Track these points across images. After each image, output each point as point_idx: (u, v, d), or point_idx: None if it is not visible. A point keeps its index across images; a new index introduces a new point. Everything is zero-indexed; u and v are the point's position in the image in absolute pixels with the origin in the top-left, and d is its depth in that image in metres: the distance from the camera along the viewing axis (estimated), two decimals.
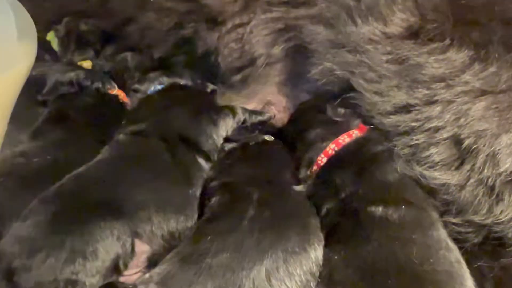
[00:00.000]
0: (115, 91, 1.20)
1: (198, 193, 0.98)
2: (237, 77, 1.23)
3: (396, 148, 0.94)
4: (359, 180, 0.93)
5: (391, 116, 0.94)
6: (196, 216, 0.96)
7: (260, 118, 1.15)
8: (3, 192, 0.97)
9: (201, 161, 1.02)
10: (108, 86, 1.19)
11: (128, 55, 1.29)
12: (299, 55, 1.17)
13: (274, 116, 1.20)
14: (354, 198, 0.92)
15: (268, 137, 1.11)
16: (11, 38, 0.99)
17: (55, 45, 1.43)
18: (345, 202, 0.92)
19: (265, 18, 1.19)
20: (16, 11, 1.02)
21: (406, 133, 0.92)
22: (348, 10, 1.02)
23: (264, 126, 1.15)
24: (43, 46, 1.31)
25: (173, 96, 1.11)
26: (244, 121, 1.13)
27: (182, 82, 1.15)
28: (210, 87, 1.18)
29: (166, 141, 1.00)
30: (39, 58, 1.13)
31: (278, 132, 1.19)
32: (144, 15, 1.32)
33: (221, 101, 1.21)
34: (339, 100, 1.00)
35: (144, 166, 0.97)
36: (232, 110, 1.13)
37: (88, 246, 0.83)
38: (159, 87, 1.14)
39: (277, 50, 1.19)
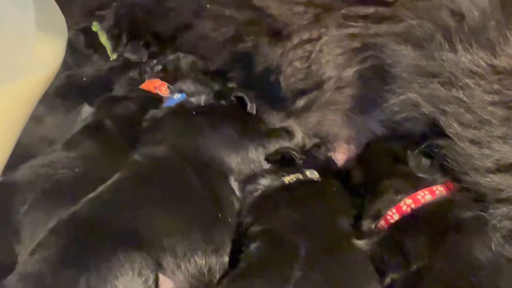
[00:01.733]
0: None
1: (229, 220, 0.84)
2: (300, 101, 1.04)
3: (492, 218, 0.72)
4: (438, 252, 0.73)
5: (491, 175, 0.73)
6: (228, 250, 0.82)
7: (318, 153, 0.96)
8: (21, 204, 0.87)
9: (234, 184, 0.86)
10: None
11: (181, 54, 1.18)
12: (375, 79, 0.97)
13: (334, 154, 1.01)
14: (428, 275, 0.72)
15: (310, 173, 0.92)
16: (28, 38, 0.78)
17: (103, 38, 1.33)
18: (416, 277, 0.74)
19: (339, 35, 0.99)
20: (40, 4, 0.82)
21: (509, 200, 0.69)
22: (446, 31, 0.81)
23: (318, 162, 0.96)
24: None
25: (212, 112, 0.96)
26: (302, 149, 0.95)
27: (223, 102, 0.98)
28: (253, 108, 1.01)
29: (193, 161, 0.86)
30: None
31: (341, 171, 1.00)
32: (200, 23, 1.18)
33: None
34: (423, 146, 0.78)
35: (166, 189, 0.83)
36: (287, 132, 0.98)
37: (106, 284, 0.72)
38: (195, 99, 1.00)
39: (350, 73, 1.00)
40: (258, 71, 1.09)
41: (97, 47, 1.34)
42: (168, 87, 1.08)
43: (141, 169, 0.85)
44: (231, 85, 1.05)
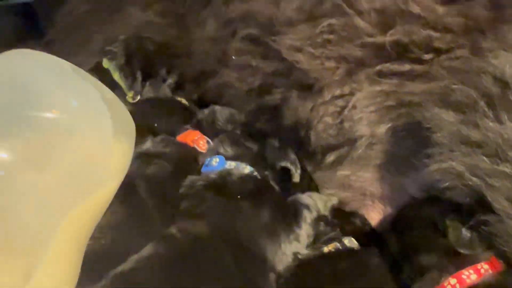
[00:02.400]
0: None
1: None
2: (330, 157, 1.01)
3: None
4: None
5: None
6: None
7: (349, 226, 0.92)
8: None
9: (272, 278, 0.80)
10: None
11: (217, 107, 1.11)
12: (410, 139, 0.94)
13: (367, 223, 0.97)
14: None
15: (348, 241, 0.87)
16: (106, 148, 0.71)
17: (116, 75, 1.28)
18: None
19: (372, 91, 0.96)
20: (114, 109, 0.74)
21: None
22: (490, 98, 0.77)
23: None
24: None
25: (254, 191, 0.88)
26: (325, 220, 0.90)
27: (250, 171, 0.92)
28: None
29: (233, 246, 0.80)
30: None
31: (375, 232, 0.96)
32: (225, 71, 1.16)
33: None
34: (470, 223, 0.74)
35: (202, 272, 0.77)
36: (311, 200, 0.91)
37: None
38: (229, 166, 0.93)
39: (383, 129, 0.96)
40: (286, 124, 1.06)
41: (114, 86, 1.27)
42: (207, 141, 1.03)
43: (177, 246, 0.79)
44: (271, 143, 0.98)
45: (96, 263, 0.79)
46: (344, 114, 0.98)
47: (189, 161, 1.00)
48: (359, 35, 0.96)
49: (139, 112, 1.18)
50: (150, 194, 0.92)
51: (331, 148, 1.01)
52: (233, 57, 1.10)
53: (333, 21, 0.98)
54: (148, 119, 1.14)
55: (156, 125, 1.13)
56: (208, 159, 0.95)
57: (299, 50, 1.00)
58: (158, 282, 0.75)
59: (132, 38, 1.32)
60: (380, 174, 0.99)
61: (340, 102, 0.99)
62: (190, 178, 0.92)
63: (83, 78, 0.78)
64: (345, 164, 1.01)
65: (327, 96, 0.99)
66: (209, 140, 1.03)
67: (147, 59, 1.28)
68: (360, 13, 0.97)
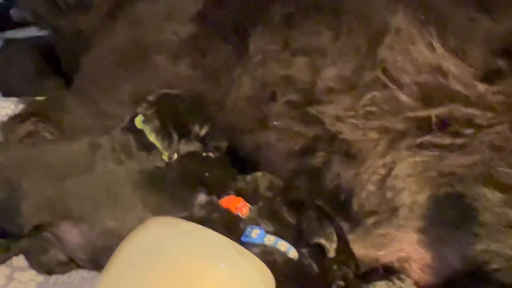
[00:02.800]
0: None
1: None
2: (370, 220, 1.05)
3: None
4: None
5: None
6: None
7: None
8: None
9: None
10: None
11: (259, 174, 1.14)
12: (452, 210, 0.98)
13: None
14: None
15: None
16: None
17: (151, 137, 1.29)
18: None
19: (414, 162, 1.01)
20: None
21: None
22: None
23: None
24: None
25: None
26: None
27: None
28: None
29: None
30: None
31: None
32: (262, 131, 1.19)
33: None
34: None
35: None
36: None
37: None
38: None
39: (424, 198, 1.01)
40: (327, 187, 1.09)
41: (149, 146, 1.29)
42: (250, 208, 1.04)
43: None
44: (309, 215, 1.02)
45: None
46: (387, 183, 1.02)
47: (232, 229, 1.03)
48: (401, 109, 1.01)
49: (182, 167, 1.24)
50: None
51: (371, 213, 1.05)
52: (275, 123, 1.13)
53: (375, 94, 1.02)
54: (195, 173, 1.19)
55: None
56: (249, 229, 0.97)
57: (341, 120, 1.04)
58: None
59: (164, 98, 1.34)
60: (420, 239, 1.03)
61: (382, 171, 1.03)
62: None
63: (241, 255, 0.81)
64: (384, 225, 1.05)
65: (369, 164, 1.03)
66: (252, 208, 1.06)
67: (180, 119, 1.31)
68: (401, 87, 1.01)
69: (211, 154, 1.29)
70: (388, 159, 1.02)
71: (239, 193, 1.11)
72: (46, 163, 1.29)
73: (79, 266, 1.16)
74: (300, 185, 1.12)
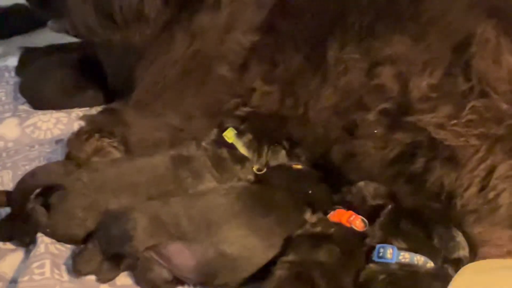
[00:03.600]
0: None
1: None
2: (471, 218, 1.12)
3: None
4: None
5: None
6: None
7: None
8: None
9: None
10: None
11: (362, 184, 1.19)
12: None
13: None
14: None
15: None
16: None
17: (243, 150, 1.34)
18: None
19: None
20: None
21: None
22: None
23: None
24: None
25: None
26: None
27: None
28: None
29: None
30: None
31: None
32: (352, 140, 1.24)
33: None
34: None
35: None
36: None
37: None
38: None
39: None
40: (429, 191, 1.15)
41: (242, 160, 1.34)
42: (362, 220, 1.11)
43: None
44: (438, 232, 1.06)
45: None
46: (489, 185, 1.09)
47: (353, 243, 1.08)
48: (502, 117, 1.08)
49: (282, 181, 1.28)
50: (325, 282, 1.01)
51: (473, 212, 1.12)
52: (375, 131, 1.18)
53: (475, 103, 1.09)
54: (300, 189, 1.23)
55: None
56: (381, 249, 1.02)
57: (444, 128, 1.11)
58: None
59: (255, 116, 1.39)
60: None
61: (483, 174, 1.10)
62: (369, 269, 1.01)
63: None
64: (484, 223, 1.12)
65: (471, 168, 1.11)
66: (364, 219, 1.12)
67: (270, 133, 1.35)
68: (500, 95, 1.09)
69: (299, 167, 1.33)
70: (488, 162, 1.09)
71: (347, 205, 1.15)
72: (132, 181, 1.30)
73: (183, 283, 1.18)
74: (401, 190, 1.17)
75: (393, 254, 1.00)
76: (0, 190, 1.36)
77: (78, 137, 1.48)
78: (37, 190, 1.31)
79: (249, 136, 1.35)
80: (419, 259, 1.00)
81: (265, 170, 1.34)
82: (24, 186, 1.28)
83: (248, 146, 1.35)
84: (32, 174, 1.30)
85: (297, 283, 1.00)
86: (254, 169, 1.34)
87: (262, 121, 1.36)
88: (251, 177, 1.34)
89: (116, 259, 1.14)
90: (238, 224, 1.13)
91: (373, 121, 1.20)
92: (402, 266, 0.98)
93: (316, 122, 1.30)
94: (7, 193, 1.32)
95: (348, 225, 1.10)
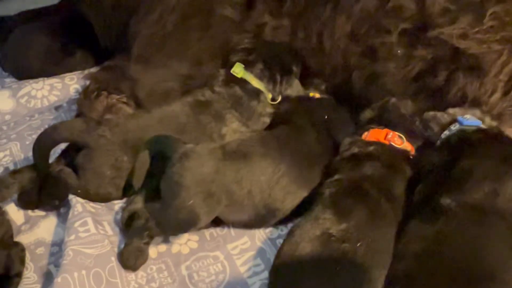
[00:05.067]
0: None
1: None
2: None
3: None
4: None
5: None
6: None
7: None
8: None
9: None
10: None
11: (393, 100, 1.20)
12: None
13: None
14: None
15: None
16: None
17: (254, 82, 1.33)
18: None
19: None
20: None
21: None
22: None
23: None
24: None
25: None
26: None
27: None
28: None
29: None
30: None
31: None
32: (376, 64, 1.25)
33: None
34: None
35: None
36: None
37: None
38: None
39: None
40: (451, 101, 1.19)
41: (256, 93, 1.33)
42: (399, 136, 1.13)
43: (456, 218, 0.92)
44: None
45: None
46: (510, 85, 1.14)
47: (396, 158, 1.12)
48: None
49: (301, 110, 1.29)
50: (378, 192, 1.05)
51: (498, 116, 1.17)
52: (398, 51, 1.20)
53: (495, 9, 1.12)
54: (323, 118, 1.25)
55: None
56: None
57: (467, 37, 1.14)
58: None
59: (260, 44, 1.36)
60: None
61: (506, 78, 1.15)
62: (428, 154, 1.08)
63: None
64: (509, 125, 1.17)
65: (495, 73, 1.15)
66: (400, 135, 1.14)
67: (282, 60, 1.34)
68: None
69: (318, 95, 1.34)
70: (511, 66, 1.14)
71: (381, 123, 1.17)
72: (155, 133, 1.26)
73: None
74: (423, 105, 1.21)
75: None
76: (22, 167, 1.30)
77: (87, 96, 1.43)
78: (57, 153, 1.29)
79: (259, 66, 1.34)
80: None
81: (279, 99, 1.33)
82: (45, 140, 1.22)
83: (260, 76, 1.34)
84: (54, 128, 1.24)
85: (348, 194, 1.04)
86: (269, 99, 1.33)
87: (271, 47, 1.35)
88: (270, 110, 1.33)
89: None
90: (286, 182, 1.14)
91: (394, 43, 1.22)
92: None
93: (332, 52, 1.31)
94: (30, 167, 1.26)
95: (387, 143, 1.13)
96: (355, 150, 1.13)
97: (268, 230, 1.18)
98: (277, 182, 1.13)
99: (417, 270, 0.91)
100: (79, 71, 1.75)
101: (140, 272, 1.10)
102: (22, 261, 1.10)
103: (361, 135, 1.17)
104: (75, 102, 1.56)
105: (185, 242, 1.16)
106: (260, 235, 1.17)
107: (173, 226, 1.09)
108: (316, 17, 1.34)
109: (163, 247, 1.15)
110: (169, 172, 1.10)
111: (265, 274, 1.07)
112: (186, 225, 1.09)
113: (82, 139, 1.23)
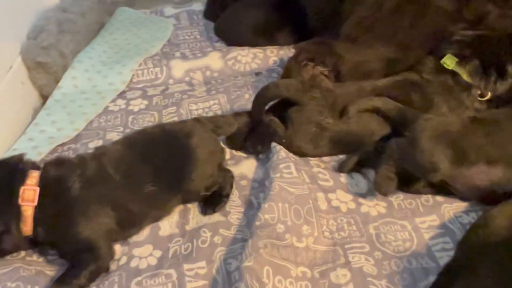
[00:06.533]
0: None
1: None
2: None
3: None
4: None
5: None
6: None
7: None
8: None
9: None
10: None
11: None
12: None
13: None
14: None
15: None
16: None
17: (465, 76, 1.34)
18: None
19: None
20: None
21: None
22: None
23: None
24: None
25: None
26: None
27: None
28: None
29: None
30: None
31: None
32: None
33: None
34: None
35: None
36: None
37: None
38: None
39: None
40: None
41: (467, 87, 1.35)
42: None
43: None
44: None
45: None
46: None
47: None
48: None
49: None
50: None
51: None
52: None
53: None
54: None
55: None
56: None
57: None
58: None
59: (480, 40, 1.37)
60: None
61: None
62: None
63: None
64: None
65: None
66: None
67: (499, 59, 1.33)
68: None
69: None
70: None
71: None
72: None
73: None
74: None
75: None
76: (241, 111, 1.47)
77: (296, 63, 1.55)
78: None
79: (475, 63, 1.34)
80: None
81: (489, 96, 1.33)
82: (266, 93, 1.37)
83: (473, 73, 1.34)
84: (275, 84, 1.39)
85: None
86: (478, 95, 1.33)
87: (490, 44, 1.34)
88: (478, 105, 1.33)
89: None
90: None
91: None
92: None
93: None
94: (247, 113, 1.42)
95: None
96: None
97: (459, 214, 1.19)
98: None
99: None
100: (279, 46, 1.90)
101: (331, 221, 1.18)
102: (231, 185, 1.25)
103: None
104: (274, 71, 1.75)
105: (373, 206, 1.22)
106: (450, 217, 1.18)
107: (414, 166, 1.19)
108: None
109: (352, 204, 1.23)
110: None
111: None
112: (425, 170, 1.18)
113: (297, 97, 1.37)
